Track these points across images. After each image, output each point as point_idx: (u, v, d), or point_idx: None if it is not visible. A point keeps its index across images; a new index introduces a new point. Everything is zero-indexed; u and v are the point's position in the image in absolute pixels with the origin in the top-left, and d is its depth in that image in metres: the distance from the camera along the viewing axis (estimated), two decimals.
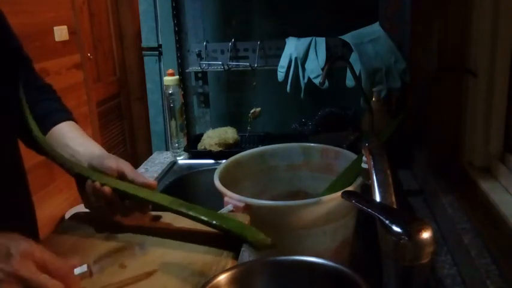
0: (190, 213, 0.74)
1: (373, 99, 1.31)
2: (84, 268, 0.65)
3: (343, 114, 1.45)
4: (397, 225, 0.50)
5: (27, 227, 0.93)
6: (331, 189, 0.92)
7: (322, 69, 1.37)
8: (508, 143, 0.93)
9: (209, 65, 1.54)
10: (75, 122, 0.92)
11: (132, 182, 0.78)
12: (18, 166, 0.91)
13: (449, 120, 1.08)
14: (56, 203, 2.51)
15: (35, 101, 0.90)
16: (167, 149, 1.65)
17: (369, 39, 1.42)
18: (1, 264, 0.56)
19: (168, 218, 0.82)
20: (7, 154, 0.87)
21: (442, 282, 0.80)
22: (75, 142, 0.86)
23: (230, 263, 0.68)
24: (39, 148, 0.85)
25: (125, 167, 0.79)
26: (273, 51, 1.51)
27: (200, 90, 1.63)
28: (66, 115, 0.90)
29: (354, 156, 0.95)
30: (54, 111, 0.90)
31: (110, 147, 3.29)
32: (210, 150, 1.42)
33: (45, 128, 0.87)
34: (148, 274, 0.66)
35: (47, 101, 0.92)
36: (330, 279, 0.62)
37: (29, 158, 0.93)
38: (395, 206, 0.58)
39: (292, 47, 1.45)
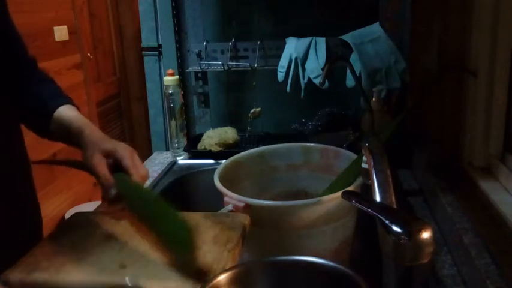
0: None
1: (373, 99, 1.31)
2: None
3: (343, 114, 1.45)
4: (397, 225, 0.50)
5: (32, 223, 0.93)
6: (331, 189, 0.92)
7: (322, 69, 1.37)
8: (508, 143, 0.93)
9: (209, 65, 1.54)
10: (76, 106, 0.93)
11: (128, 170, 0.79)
12: (23, 162, 0.92)
13: (449, 120, 1.08)
14: (56, 203, 2.52)
15: (36, 93, 0.92)
16: (167, 149, 1.65)
17: (369, 39, 1.42)
18: None
19: None
20: (13, 150, 0.88)
21: (442, 282, 0.80)
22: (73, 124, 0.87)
23: (230, 263, 0.68)
24: (51, 135, 0.90)
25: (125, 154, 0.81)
26: (273, 51, 1.50)
27: (200, 90, 1.63)
28: (65, 100, 0.92)
29: (354, 156, 0.95)
30: (55, 97, 0.92)
31: None
32: (210, 150, 1.42)
33: (48, 114, 0.89)
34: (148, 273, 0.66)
35: (47, 90, 0.94)
36: (330, 279, 0.62)
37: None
38: (395, 206, 0.58)
39: (292, 47, 1.45)
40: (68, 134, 0.86)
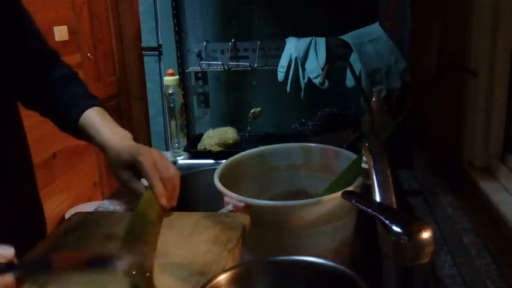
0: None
1: (373, 99, 1.31)
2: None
3: (343, 114, 1.45)
4: (397, 225, 0.50)
5: (34, 224, 0.93)
6: (331, 189, 0.92)
7: (322, 69, 1.37)
8: (508, 143, 0.93)
9: (209, 65, 1.54)
10: (100, 105, 0.91)
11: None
12: (26, 162, 0.92)
13: (449, 120, 1.07)
14: (56, 203, 2.52)
15: (59, 91, 0.90)
16: (167, 149, 1.65)
17: (369, 39, 1.42)
18: None
19: (168, 218, 0.82)
20: (15, 150, 0.88)
21: (442, 282, 0.80)
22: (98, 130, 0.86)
23: (230, 263, 0.68)
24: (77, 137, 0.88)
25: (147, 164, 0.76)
26: (273, 51, 1.50)
27: (200, 90, 1.63)
28: (89, 102, 0.89)
29: (354, 156, 0.95)
30: (78, 101, 0.89)
31: None
32: (210, 150, 1.42)
33: (72, 119, 0.87)
34: None
35: (70, 89, 0.92)
36: (330, 279, 0.62)
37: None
38: (395, 206, 0.58)
39: (292, 47, 1.45)
40: (94, 144, 0.85)
